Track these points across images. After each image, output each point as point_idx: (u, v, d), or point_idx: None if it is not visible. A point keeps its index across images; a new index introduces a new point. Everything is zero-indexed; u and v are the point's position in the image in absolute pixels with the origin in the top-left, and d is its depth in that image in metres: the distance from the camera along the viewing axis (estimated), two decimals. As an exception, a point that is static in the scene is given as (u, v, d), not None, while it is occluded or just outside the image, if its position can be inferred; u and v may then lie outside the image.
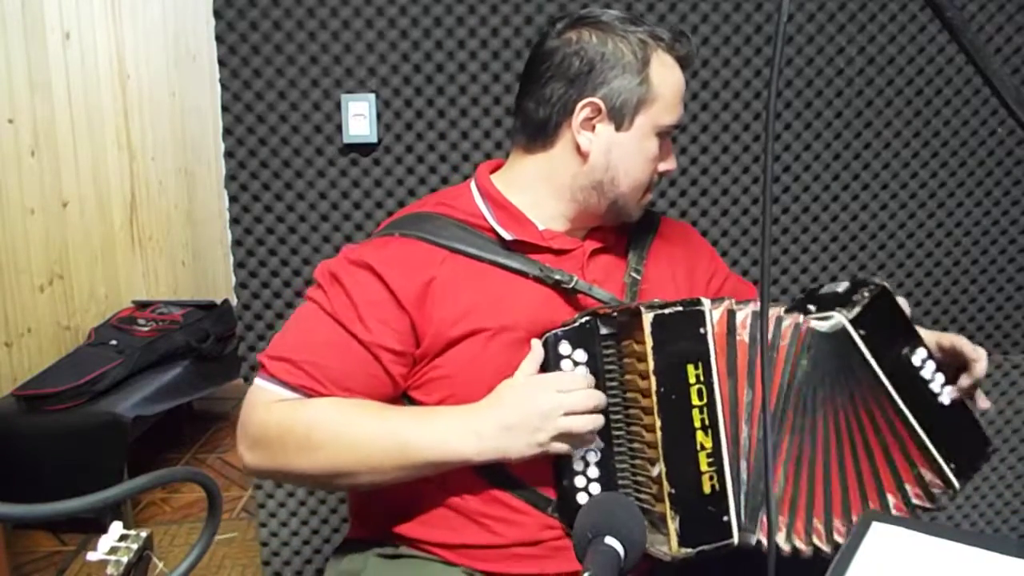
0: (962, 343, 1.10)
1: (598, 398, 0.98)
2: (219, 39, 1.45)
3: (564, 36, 1.05)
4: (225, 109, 1.48)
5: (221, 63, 1.46)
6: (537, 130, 1.07)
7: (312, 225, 1.53)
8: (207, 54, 3.54)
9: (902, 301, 1.09)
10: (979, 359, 1.08)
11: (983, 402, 1.11)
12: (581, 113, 1.03)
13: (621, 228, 1.16)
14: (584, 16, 1.06)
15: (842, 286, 1.11)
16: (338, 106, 1.49)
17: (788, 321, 1.00)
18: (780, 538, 0.98)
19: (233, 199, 1.51)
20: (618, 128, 1.04)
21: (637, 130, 1.04)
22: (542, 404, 0.96)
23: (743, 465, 0.96)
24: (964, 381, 1.09)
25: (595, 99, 1.02)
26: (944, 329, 1.75)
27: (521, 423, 0.95)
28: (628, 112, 1.03)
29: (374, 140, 1.50)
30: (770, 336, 0.98)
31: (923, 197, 1.68)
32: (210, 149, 3.67)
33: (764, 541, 0.95)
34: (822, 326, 1.02)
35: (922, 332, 1.09)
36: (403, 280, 1.01)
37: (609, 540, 0.70)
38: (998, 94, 0.64)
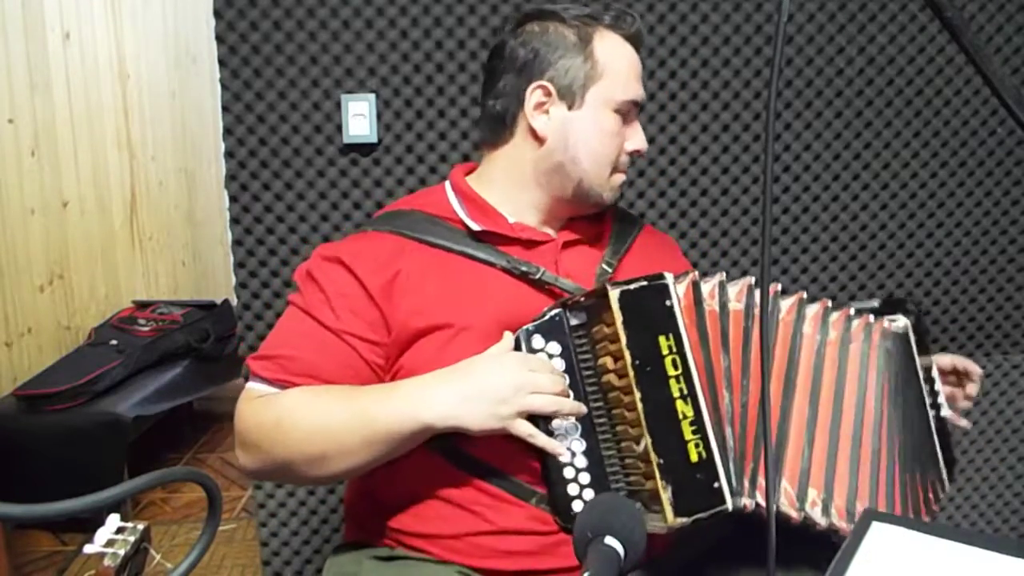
0: (965, 362, 1.22)
1: (563, 383, 0.99)
2: (219, 39, 1.45)
3: (513, 32, 1.10)
4: (225, 109, 1.48)
5: (221, 63, 1.46)
6: (497, 124, 1.10)
7: (312, 225, 1.53)
8: (207, 54, 3.54)
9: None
10: (976, 376, 1.21)
11: (961, 420, 1.22)
12: (532, 97, 1.06)
13: (600, 221, 1.17)
14: (532, 11, 1.11)
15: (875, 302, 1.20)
16: (338, 106, 1.49)
17: (837, 314, 1.07)
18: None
19: (233, 199, 1.51)
20: (570, 107, 1.06)
21: (590, 106, 1.06)
22: (512, 377, 0.96)
23: (728, 432, 0.97)
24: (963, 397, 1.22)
25: (543, 82, 1.06)
26: (944, 329, 1.75)
27: (487, 391, 0.95)
28: (577, 89, 1.06)
29: (374, 140, 1.50)
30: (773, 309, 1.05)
31: (923, 197, 1.68)
32: (210, 149, 3.67)
33: (760, 504, 0.96)
34: (891, 326, 1.11)
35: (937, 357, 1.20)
36: (372, 273, 1.03)
37: (609, 540, 0.70)
38: (998, 94, 0.64)
